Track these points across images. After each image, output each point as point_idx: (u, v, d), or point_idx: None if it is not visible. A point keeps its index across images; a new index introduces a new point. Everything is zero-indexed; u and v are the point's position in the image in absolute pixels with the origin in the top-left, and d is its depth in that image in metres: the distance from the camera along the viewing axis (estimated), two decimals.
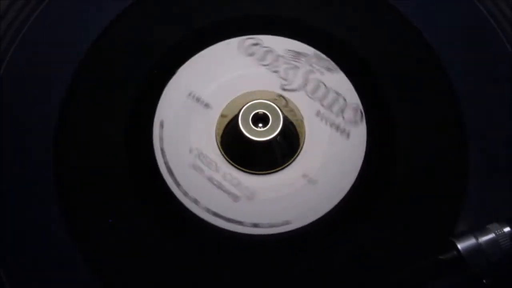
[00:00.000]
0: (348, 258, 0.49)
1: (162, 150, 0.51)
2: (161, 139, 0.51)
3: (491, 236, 0.45)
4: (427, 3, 0.54)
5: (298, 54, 0.53)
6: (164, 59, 0.53)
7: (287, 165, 0.51)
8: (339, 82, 0.52)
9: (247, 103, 0.50)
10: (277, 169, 0.51)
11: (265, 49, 0.53)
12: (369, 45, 0.53)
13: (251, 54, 0.53)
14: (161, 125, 0.51)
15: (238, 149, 0.51)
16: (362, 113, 0.51)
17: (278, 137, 0.49)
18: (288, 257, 0.49)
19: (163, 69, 0.52)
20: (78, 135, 0.51)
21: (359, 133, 0.51)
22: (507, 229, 0.45)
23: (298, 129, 0.51)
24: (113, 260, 0.49)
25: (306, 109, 0.52)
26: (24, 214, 0.50)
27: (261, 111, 0.49)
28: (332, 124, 0.51)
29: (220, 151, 0.51)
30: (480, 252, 0.44)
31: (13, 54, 0.53)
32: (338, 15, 0.55)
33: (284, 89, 0.52)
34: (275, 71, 0.53)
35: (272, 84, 0.52)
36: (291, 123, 0.51)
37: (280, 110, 0.49)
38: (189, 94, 0.52)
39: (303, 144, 0.51)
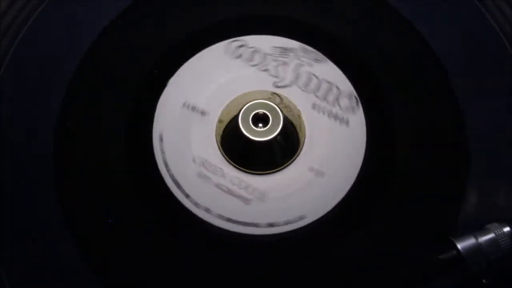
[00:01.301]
0: (346, 258, 0.49)
1: (165, 163, 0.51)
2: (162, 152, 0.51)
3: (491, 236, 0.45)
4: (427, 3, 0.54)
5: (285, 50, 0.53)
6: (153, 70, 0.53)
7: (292, 162, 0.51)
8: (329, 72, 0.52)
9: (245, 104, 0.50)
10: (282, 167, 0.51)
11: (251, 49, 0.53)
12: (369, 47, 0.53)
13: (239, 56, 0.53)
14: (161, 139, 0.51)
15: (239, 150, 0.51)
16: (357, 99, 0.51)
17: (279, 136, 0.49)
18: (307, 252, 0.49)
19: (153, 82, 0.53)
20: (78, 135, 0.51)
21: (358, 119, 0.51)
22: (506, 229, 0.45)
23: (297, 124, 0.51)
24: (113, 260, 0.49)
25: (302, 103, 0.52)
26: (24, 214, 0.50)
27: (261, 111, 0.49)
28: (329, 114, 0.51)
29: (223, 155, 0.51)
30: (480, 252, 0.44)
31: (13, 53, 0.53)
32: (320, 5, 0.55)
33: (277, 86, 0.52)
34: (265, 70, 0.52)
35: (264, 83, 0.52)
36: (290, 121, 0.51)
37: (280, 109, 0.49)
38: (184, 104, 0.52)
39: (304, 139, 0.51)
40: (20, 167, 0.51)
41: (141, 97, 0.52)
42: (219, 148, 0.51)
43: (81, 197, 0.50)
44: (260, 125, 0.50)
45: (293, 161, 0.51)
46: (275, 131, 0.49)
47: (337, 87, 0.52)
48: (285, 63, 0.52)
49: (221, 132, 0.51)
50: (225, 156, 0.51)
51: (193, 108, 0.52)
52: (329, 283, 0.49)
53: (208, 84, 0.52)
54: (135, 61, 0.53)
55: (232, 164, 0.51)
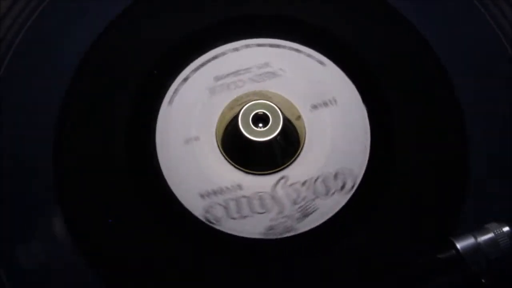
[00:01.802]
0: (346, 257, 0.49)
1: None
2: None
3: (490, 235, 0.45)
4: (427, 3, 0.54)
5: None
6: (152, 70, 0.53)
7: (294, 159, 0.51)
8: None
9: (248, 102, 0.50)
10: (285, 165, 0.51)
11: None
12: (369, 47, 0.53)
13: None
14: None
15: (239, 150, 0.51)
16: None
17: (278, 136, 0.49)
18: (313, 250, 0.49)
19: (153, 82, 0.53)
20: (78, 135, 0.51)
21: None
22: (506, 228, 0.45)
23: (296, 121, 0.51)
24: (113, 260, 0.49)
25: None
26: (24, 214, 0.50)
27: (261, 111, 0.49)
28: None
29: (221, 151, 0.51)
30: (479, 252, 0.44)
31: (13, 54, 0.53)
32: (335, 13, 0.55)
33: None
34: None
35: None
36: (289, 120, 0.51)
37: (280, 110, 0.49)
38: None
39: (305, 136, 0.51)
40: (20, 167, 0.51)
41: (141, 97, 0.52)
42: (217, 141, 0.51)
43: (81, 197, 0.50)
44: (260, 125, 0.50)
45: (292, 162, 0.51)
46: (274, 132, 0.49)
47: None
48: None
49: (225, 122, 0.51)
50: (223, 152, 0.51)
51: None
52: (327, 284, 0.49)
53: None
54: (135, 61, 0.53)
55: (229, 162, 0.51)
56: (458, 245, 0.45)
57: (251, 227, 0.49)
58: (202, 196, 0.50)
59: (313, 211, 0.49)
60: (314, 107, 0.52)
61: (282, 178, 0.50)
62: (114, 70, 0.53)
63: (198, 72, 0.53)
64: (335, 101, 0.52)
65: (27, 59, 0.53)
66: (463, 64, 0.53)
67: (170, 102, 0.52)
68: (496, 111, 0.52)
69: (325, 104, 0.52)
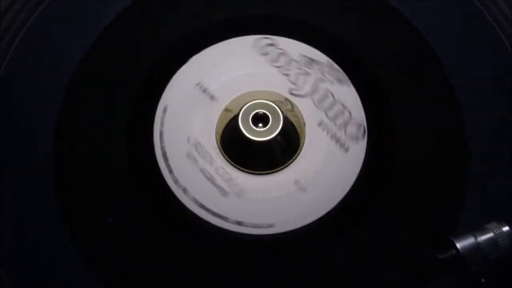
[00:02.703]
0: (346, 257, 0.49)
1: (161, 133, 0.51)
2: (162, 123, 0.51)
3: (490, 235, 0.45)
4: (427, 3, 0.54)
5: (311, 61, 0.53)
6: (177, 47, 0.53)
7: (281, 169, 0.51)
8: (347, 95, 0.52)
9: (248, 102, 0.50)
10: (272, 170, 0.51)
11: (279, 51, 0.53)
12: (383, 60, 0.53)
13: (265, 54, 0.53)
14: (164, 111, 0.51)
15: (237, 148, 0.51)
16: (365, 130, 0.51)
17: (278, 137, 0.49)
18: (267, 260, 0.49)
19: (174, 56, 0.53)
20: (78, 135, 0.51)
21: (359, 149, 0.51)
22: (506, 228, 0.45)
23: (300, 134, 0.51)
24: (113, 260, 0.49)
25: (310, 117, 0.52)
26: (24, 214, 0.50)
27: (261, 111, 0.49)
28: (332, 136, 0.51)
29: (218, 145, 0.51)
30: (479, 251, 0.44)
31: (13, 53, 0.53)
32: (359, 26, 0.54)
33: (292, 94, 0.52)
34: (286, 74, 0.52)
35: (281, 86, 0.52)
36: (292, 124, 0.51)
37: (280, 110, 0.49)
38: (197, 84, 0.52)
39: (300, 150, 0.51)
40: (20, 167, 0.51)
41: (141, 97, 0.52)
42: (216, 135, 0.51)
43: (81, 197, 0.50)
44: (260, 125, 0.49)
45: (282, 169, 0.51)
46: (274, 132, 0.49)
47: (350, 113, 0.51)
48: (307, 73, 0.52)
49: (223, 122, 0.51)
50: (219, 146, 0.51)
51: (204, 90, 0.52)
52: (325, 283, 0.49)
53: (226, 72, 0.52)
54: (135, 61, 0.53)
55: (222, 155, 0.51)
56: (458, 245, 0.45)
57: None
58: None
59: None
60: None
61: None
62: (114, 70, 0.53)
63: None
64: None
65: (27, 59, 0.53)
66: (463, 64, 0.53)
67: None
68: (496, 111, 0.52)
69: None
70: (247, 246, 0.49)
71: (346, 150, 0.51)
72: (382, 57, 0.53)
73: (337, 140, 0.51)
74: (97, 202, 0.50)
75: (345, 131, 0.51)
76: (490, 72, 0.53)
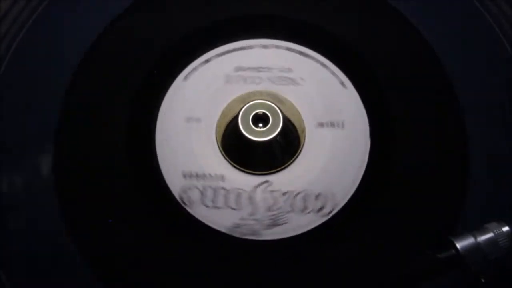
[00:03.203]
0: (347, 257, 0.49)
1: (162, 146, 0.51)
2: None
3: (489, 235, 0.45)
4: (427, 3, 0.54)
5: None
6: (152, 70, 0.53)
7: (283, 168, 0.51)
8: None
9: (248, 103, 0.50)
10: (277, 169, 0.51)
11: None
12: (370, 47, 0.53)
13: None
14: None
15: (238, 149, 0.51)
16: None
17: (278, 137, 0.49)
18: (272, 260, 0.49)
19: (153, 82, 0.53)
20: (78, 135, 0.51)
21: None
22: (505, 228, 0.45)
23: (299, 129, 0.51)
24: (113, 260, 0.49)
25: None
26: (24, 214, 0.50)
27: (261, 111, 0.49)
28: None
29: (221, 151, 0.51)
30: (478, 251, 0.44)
31: (13, 54, 0.53)
32: (359, 26, 0.55)
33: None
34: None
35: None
36: (291, 123, 0.51)
37: (280, 110, 0.49)
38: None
39: (301, 148, 0.51)
40: (20, 167, 0.51)
41: (141, 97, 0.52)
42: (217, 143, 0.51)
43: (81, 197, 0.50)
44: (260, 125, 0.49)
45: (288, 165, 0.51)
46: (274, 132, 0.49)
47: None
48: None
49: (221, 129, 0.51)
50: (223, 152, 0.51)
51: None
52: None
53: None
54: (135, 61, 0.53)
55: (227, 161, 0.51)
56: (458, 245, 0.45)
57: (219, 219, 0.50)
58: (184, 175, 0.50)
59: (283, 223, 0.49)
60: (321, 124, 0.52)
61: (265, 182, 0.50)
62: (114, 70, 0.53)
63: (221, 58, 0.53)
64: (343, 125, 0.52)
65: (27, 59, 0.53)
66: (463, 64, 0.53)
67: (186, 78, 0.52)
68: (496, 111, 0.52)
69: (332, 125, 0.52)
70: (248, 248, 0.49)
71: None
72: (382, 57, 0.53)
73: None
74: (98, 204, 0.50)
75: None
76: (490, 72, 0.53)
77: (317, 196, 0.50)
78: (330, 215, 0.50)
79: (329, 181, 0.50)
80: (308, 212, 0.50)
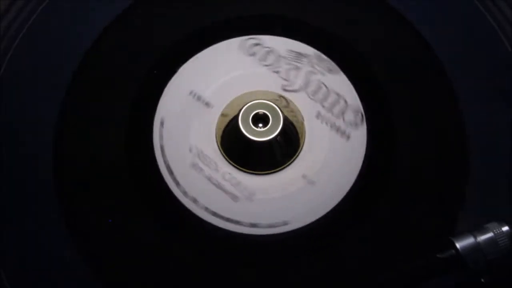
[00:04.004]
0: (346, 258, 0.49)
1: (162, 148, 0.51)
2: (161, 137, 0.51)
3: (489, 235, 0.45)
4: (427, 3, 0.54)
5: (299, 55, 0.53)
6: (165, 58, 0.53)
7: (287, 166, 0.51)
8: (340, 83, 0.52)
9: (247, 103, 0.50)
10: (277, 169, 0.51)
11: (266, 49, 0.53)
12: (369, 46, 0.53)
13: (252, 54, 0.53)
14: (162, 124, 0.51)
15: (238, 149, 0.51)
16: (362, 115, 0.51)
17: (278, 137, 0.49)
18: (286, 258, 0.49)
19: (164, 67, 0.53)
20: (78, 135, 0.51)
21: (359, 135, 0.51)
22: (505, 228, 0.45)
23: (299, 130, 0.51)
24: (113, 260, 0.49)
25: (307, 110, 0.52)
26: (24, 214, 0.50)
27: (261, 111, 0.49)
28: (332, 126, 0.51)
29: (220, 150, 0.51)
30: (478, 251, 0.44)
31: (13, 54, 0.53)
32: (340, 15, 0.54)
33: (285, 90, 0.52)
34: (276, 72, 0.52)
35: (273, 85, 0.52)
36: (292, 123, 0.51)
37: (280, 110, 0.49)
38: (190, 93, 0.52)
39: (303, 145, 0.51)
40: (20, 167, 0.51)
41: (141, 97, 0.52)
42: (216, 141, 0.51)
43: (81, 197, 0.50)
44: (260, 125, 0.49)
45: (288, 165, 0.51)
46: (274, 132, 0.49)
47: (345, 101, 0.52)
48: (297, 68, 0.52)
49: (222, 127, 0.51)
50: (221, 150, 0.51)
51: (199, 98, 0.52)
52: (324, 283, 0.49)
53: (217, 77, 0.52)
54: (135, 61, 0.53)
55: (226, 160, 0.51)
56: (458, 245, 0.45)
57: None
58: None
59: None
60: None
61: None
62: (114, 70, 0.53)
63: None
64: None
65: (27, 59, 0.53)
66: (463, 64, 0.53)
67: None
68: (496, 111, 0.52)
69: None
70: (264, 247, 0.49)
71: (348, 137, 0.51)
72: (382, 57, 0.53)
73: (337, 129, 0.51)
74: (98, 204, 0.50)
75: (343, 119, 0.51)
76: (490, 72, 0.53)
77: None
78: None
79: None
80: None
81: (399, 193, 0.50)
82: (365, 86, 0.52)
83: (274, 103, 0.50)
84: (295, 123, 0.51)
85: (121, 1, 0.54)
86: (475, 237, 0.45)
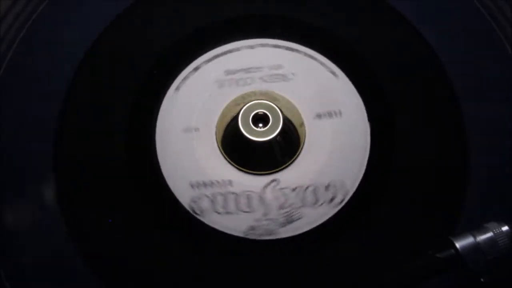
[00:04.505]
0: (346, 258, 0.49)
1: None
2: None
3: (489, 235, 0.45)
4: (427, 3, 0.54)
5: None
6: (165, 58, 0.53)
7: (287, 166, 0.51)
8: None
9: (250, 102, 0.50)
10: (277, 169, 0.51)
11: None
12: (369, 46, 0.53)
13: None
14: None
15: (238, 149, 0.51)
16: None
17: (278, 137, 0.49)
18: (286, 258, 0.49)
19: (164, 68, 0.53)
20: (78, 135, 0.51)
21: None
22: (505, 228, 0.45)
23: (298, 127, 0.51)
24: (113, 260, 0.49)
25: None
26: (24, 214, 0.50)
27: (261, 111, 0.49)
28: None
29: (220, 150, 0.51)
30: (478, 251, 0.44)
31: (13, 54, 0.53)
32: (340, 15, 0.54)
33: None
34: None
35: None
36: (291, 122, 0.51)
37: (280, 110, 0.49)
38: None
39: (304, 143, 0.51)
40: (20, 167, 0.51)
41: (141, 97, 0.52)
42: (217, 141, 0.51)
43: (81, 196, 0.50)
44: (260, 125, 0.49)
45: (288, 165, 0.51)
46: (274, 132, 0.49)
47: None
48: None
49: (222, 127, 0.51)
50: (223, 153, 0.51)
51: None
52: (321, 285, 0.49)
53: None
54: (135, 61, 0.53)
55: (229, 162, 0.51)
56: (457, 245, 0.45)
57: (233, 224, 0.49)
58: (192, 186, 0.50)
59: (297, 219, 0.49)
60: (318, 116, 0.52)
61: (273, 181, 0.50)
62: (114, 70, 0.53)
63: (210, 63, 0.53)
64: (340, 113, 0.52)
65: (27, 59, 0.53)
66: (463, 64, 0.53)
67: (177, 88, 0.52)
68: (496, 111, 0.52)
69: (330, 114, 0.52)
70: (267, 249, 0.49)
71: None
72: (382, 57, 0.53)
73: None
74: (98, 205, 0.50)
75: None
76: (490, 72, 0.53)
77: (327, 187, 0.50)
78: (343, 204, 0.50)
79: (336, 170, 0.50)
80: (321, 204, 0.50)
81: (399, 193, 0.50)
82: (365, 86, 0.52)
83: (273, 103, 0.50)
84: (294, 122, 0.51)
85: (121, 1, 0.54)
86: (474, 237, 0.45)
